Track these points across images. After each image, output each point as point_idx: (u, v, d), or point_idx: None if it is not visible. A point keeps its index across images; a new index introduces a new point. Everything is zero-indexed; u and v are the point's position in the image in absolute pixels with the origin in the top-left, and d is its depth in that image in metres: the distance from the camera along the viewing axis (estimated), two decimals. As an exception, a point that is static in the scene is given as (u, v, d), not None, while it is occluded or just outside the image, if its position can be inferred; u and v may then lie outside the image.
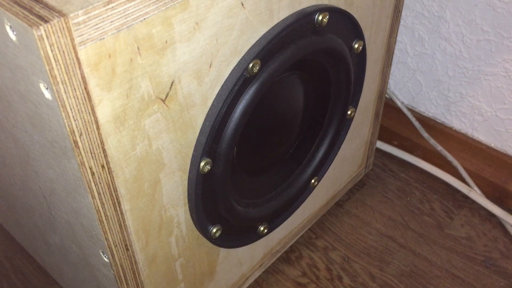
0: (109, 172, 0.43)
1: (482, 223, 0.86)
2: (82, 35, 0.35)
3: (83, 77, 0.37)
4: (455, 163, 0.91)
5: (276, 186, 0.68)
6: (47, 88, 0.37)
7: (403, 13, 0.89)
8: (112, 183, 0.44)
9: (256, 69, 0.50)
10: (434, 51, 0.88)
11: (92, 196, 0.43)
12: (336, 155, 0.73)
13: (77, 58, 0.36)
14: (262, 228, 0.66)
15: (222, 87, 0.49)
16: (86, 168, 0.41)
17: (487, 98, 0.85)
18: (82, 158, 0.41)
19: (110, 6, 0.36)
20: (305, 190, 0.72)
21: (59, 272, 0.73)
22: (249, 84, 0.51)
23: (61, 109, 0.37)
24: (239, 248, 0.68)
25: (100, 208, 0.45)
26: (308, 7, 0.54)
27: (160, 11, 0.40)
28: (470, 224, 0.86)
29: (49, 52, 0.34)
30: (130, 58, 0.40)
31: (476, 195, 0.88)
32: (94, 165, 0.42)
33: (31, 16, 0.34)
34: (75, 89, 0.37)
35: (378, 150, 0.99)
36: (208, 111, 0.49)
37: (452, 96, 0.90)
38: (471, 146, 0.90)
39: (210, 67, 0.47)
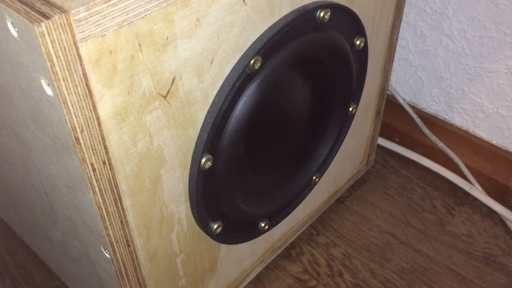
0: (110, 168, 0.43)
1: (483, 220, 0.86)
2: (83, 31, 0.35)
3: (84, 74, 0.37)
4: (457, 160, 0.91)
5: (277, 182, 0.68)
6: (48, 85, 0.37)
7: (405, 10, 0.88)
8: (113, 179, 0.44)
9: (257, 66, 0.50)
10: (436, 47, 0.88)
11: (93, 192, 0.43)
12: (337, 151, 0.73)
13: (78, 55, 0.36)
14: (263, 225, 0.66)
15: (223, 83, 0.49)
16: (87, 164, 0.41)
17: (489, 95, 0.85)
18: (84, 154, 0.41)
19: (111, 2, 0.36)
20: (306, 186, 0.72)
21: (60, 267, 0.73)
22: (250, 81, 0.51)
23: (63, 105, 0.37)
24: (240, 244, 0.68)
25: (101, 204, 0.45)
26: (310, 3, 0.54)
27: (161, 7, 0.40)
28: (471, 221, 0.86)
29: (50, 48, 0.34)
30: (131, 55, 0.40)
31: (477, 192, 0.88)
32: (96, 161, 0.42)
33: (32, 13, 0.34)
34: (76, 85, 0.37)
35: (380, 146, 0.99)
36: (209, 108, 0.49)
37: (454, 93, 0.90)
38: (472, 143, 0.90)
39: (211, 63, 0.47)
